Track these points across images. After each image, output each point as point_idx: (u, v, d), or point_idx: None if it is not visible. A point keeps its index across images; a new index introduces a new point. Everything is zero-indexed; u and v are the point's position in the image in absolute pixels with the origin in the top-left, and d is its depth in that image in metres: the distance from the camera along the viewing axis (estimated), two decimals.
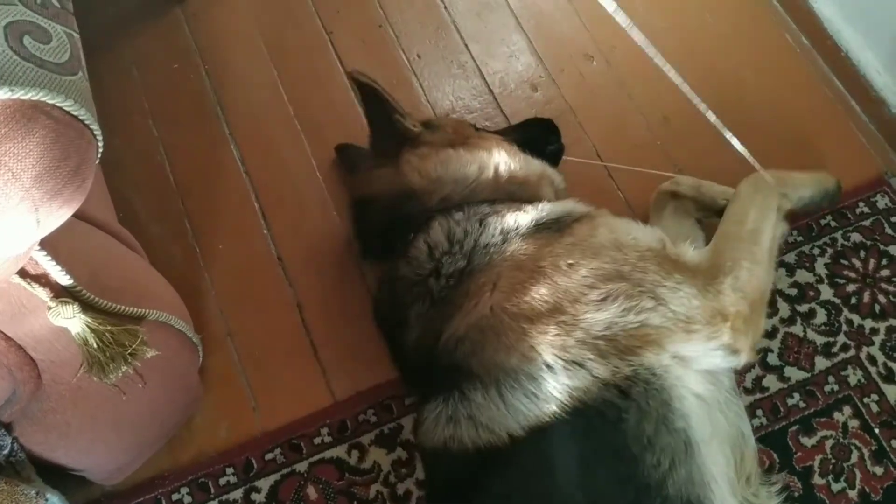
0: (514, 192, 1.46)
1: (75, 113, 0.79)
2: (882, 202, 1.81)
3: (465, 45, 1.99)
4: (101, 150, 0.85)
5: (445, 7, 2.04)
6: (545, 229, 1.32)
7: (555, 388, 1.17)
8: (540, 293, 1.23)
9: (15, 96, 0.73)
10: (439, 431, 1.23)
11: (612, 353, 1.18)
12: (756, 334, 1.30)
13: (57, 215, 0.80)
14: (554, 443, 1.18)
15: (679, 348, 1.21)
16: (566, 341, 1.19)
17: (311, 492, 1.53)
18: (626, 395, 1.17)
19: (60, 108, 0.77)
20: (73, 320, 0.95)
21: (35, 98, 0.74)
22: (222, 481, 1.53)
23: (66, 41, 0.81)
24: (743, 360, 1.27)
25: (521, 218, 1.35)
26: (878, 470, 1.55)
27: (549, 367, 1.18)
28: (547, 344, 1.18)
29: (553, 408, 1.16)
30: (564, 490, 1.18)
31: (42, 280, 0.93)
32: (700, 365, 1.24)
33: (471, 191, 1.44)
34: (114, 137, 1.81)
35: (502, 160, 1.48)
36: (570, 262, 1.25)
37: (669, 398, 1.18)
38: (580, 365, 1.17)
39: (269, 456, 1.55)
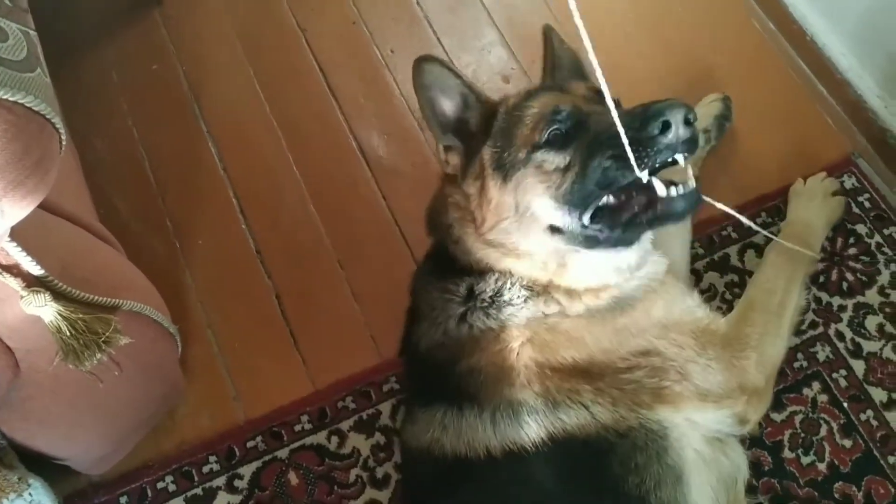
0: None
1: (36, 108, 0.82)
2: (849, 182, 1.84)
3: (438, 40, 2.03)
4: (63, 142, 0.89)
5: (418, 3, 2.07)
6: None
7: (550, 423, 1.21)
8: (572, 354, 1.25)
9: None
10: (428, 436, 1.28)
11: (624, 405, 1.22)
12: (765, 407, 1.39)
13: (21, 205, 0.84)
14: (530, 462, 1.21)
15: (692, 414, 1.27)
16: (583, 388, 1.23)
17: (293, 477, 1.57)
18: (623, 437, 1.22)
19: (21, 105, 0.81)
20: (44, 308, 0.99)
21: None
22: (205, 469, 1.57)
23: (23, 39, 0.84)
24: (748, 428, 1.35)
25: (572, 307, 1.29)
26: (847, 443, 1.59)
27: (554, 404, 1.21)
28: (563, 388, 1.22)
29: (540, 437, 1.20)
30: (536, 498, 1.23)
31: (13, 270, 0.96)
32: (708, 429, 1.30)
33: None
34: (94, 138, 1.85)
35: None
36: (613, 340, 1.27)
37: (668, 446, 1.23)
38: (585, 407, 1.22)
39: (250, 443, 1.58)
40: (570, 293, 1.29)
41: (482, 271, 1.30)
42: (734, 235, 1.78)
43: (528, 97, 1.30)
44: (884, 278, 1.73)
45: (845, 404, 1.62)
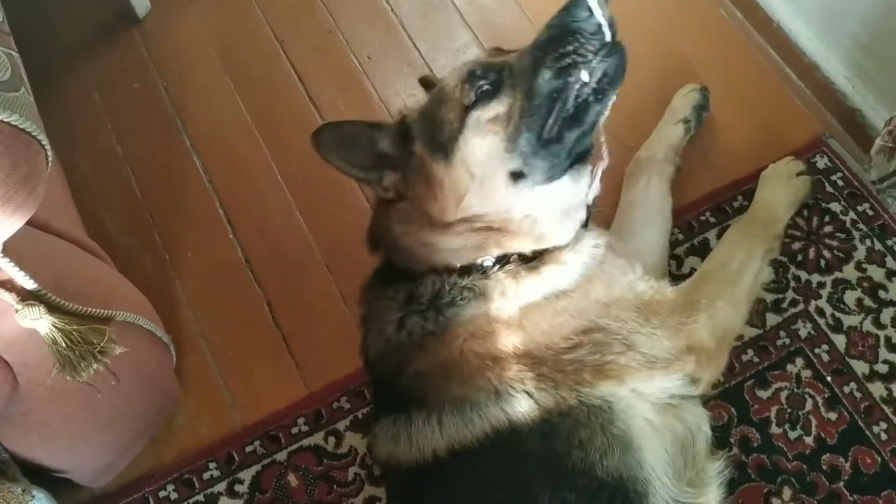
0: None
1: (22, 126, 0.85)
2: (822, 162, 1.89)
3: (414, 44, 2.06)
4: (49, 158, 0.92)
5: (392, 9, 2.11)
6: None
7: (493, 416, 1.21)
8: (512, 341, 1.26)
9: None
10: (384, 447, 1.30)
11: (566, 384, 1.22)
12: (718, 369, 1.39)
13: (11, 221, 0.87)
14: (476, 457, 1.21)
15: (639, 385, 1.27)
16: (525, 375, 1.23)
17: (292, 479, 1.60)
18: (564, 416, 1.21)
19: (7, 123, 0.84)
20: (39, 321, 1.02)
21: None
22: (206, 476, 1.60)
23: (6, 60, 0.87)
24: (700, 390, 1.34)
25: (518, 294, 1.28)
26: (833, 416, 1.62)
27: (497, 395, 1.21)
28: (505, 378, 1.22)
29: (486, 431, 1.20)
30: (484, 492, 1.23)
31: (7, 285, 0.99)
32: (657, 396, 1.30)
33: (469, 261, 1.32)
34: (79, 157, 1.88)
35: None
36: (553, 323, 1.27)
37: (614, 417, 1.23)
38: (529, 395, 1.22)
39: (249, 448, 1.61)
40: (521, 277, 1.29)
41: (423, 274, 1.30)
42: (712, 220, 1.82)
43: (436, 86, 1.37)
44: (860, 254, 1.77)
45: (829, 378, 1.65)
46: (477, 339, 1.26)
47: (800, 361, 1.68)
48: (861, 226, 1.80)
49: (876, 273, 1.75)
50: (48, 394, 1.14)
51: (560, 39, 1.21)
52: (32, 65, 1.14)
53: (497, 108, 1.23)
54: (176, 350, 1.50)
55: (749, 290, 1.49)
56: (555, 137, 1.24)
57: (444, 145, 1.25)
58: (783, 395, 1.65)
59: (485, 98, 1.23)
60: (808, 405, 1.63)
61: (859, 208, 1.82)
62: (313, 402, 1.65)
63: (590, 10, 1.21)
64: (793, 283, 1.75)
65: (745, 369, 1.67)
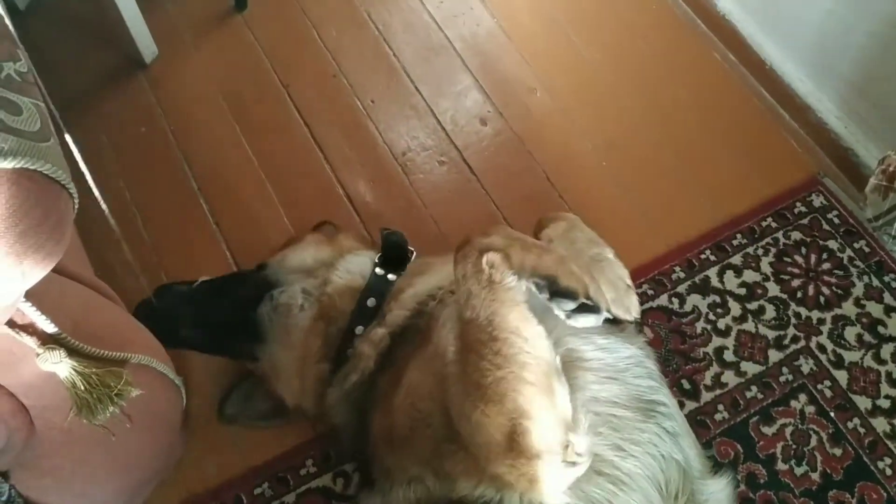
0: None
1: (53, 175, 0.87)
2: (818, 201, 1.93)
3: (416, 88, 2.10)
4: (76, 206, 0.94)
5: (394, 54, 2.16)
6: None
7: (401, 499, 1.23)
8: (391, 415, 1.29)
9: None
10: None
11: (441, 474, 1.18)
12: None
13: (40, 267, 0.88)
14: None
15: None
16: (407, 464, 1.23)
17: None
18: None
19: (40, 172, 0.86)
20: (60, 365, 1.02)
21: (17, 166, 0.83)
22: None
23: (35, 111, 0.89)
24: (571, 474, 1.12)
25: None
26: (837, 451, 1.64)
27: (399, 484, 1.24)
28: (396, 467, 1.26)
29: None
30: None
31: (29, 329, 1.00)
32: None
33: None
34: (87, 200, 1.90)
35: None
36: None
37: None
38: (420, 481, 1.21)
39: (257, 490, 1.60)
40: None
41: None
42: (712, 258, 1.85)
43: None
44: (858, 290, 1.81)
45: (832, 414, 1.68)
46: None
47: (803, 397, 1.70)
48: (858, 263, 1.84)
49: (874, 309, 1.78)
50: (63, 437, 1.14)
51: None
52: None
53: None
54: (186, 389, 1.50)
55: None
56: None
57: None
58: (788, 431, 1.66)
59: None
60: (813, 441, 1.65)
61: (856, 245, 1.86)
62: (321, 443, 1.65)
63: None
64: (793, 320, 1.78)
65: (749, 406, 1.68)
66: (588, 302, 1.23)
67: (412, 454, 1.23)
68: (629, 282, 1.37)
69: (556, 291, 1.21)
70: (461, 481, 1.15)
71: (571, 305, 1.23)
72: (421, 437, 1.21)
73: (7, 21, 0.97)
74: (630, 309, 1.34)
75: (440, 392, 1.18)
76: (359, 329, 1.43)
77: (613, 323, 1.32)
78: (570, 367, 1.19)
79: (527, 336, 1.13)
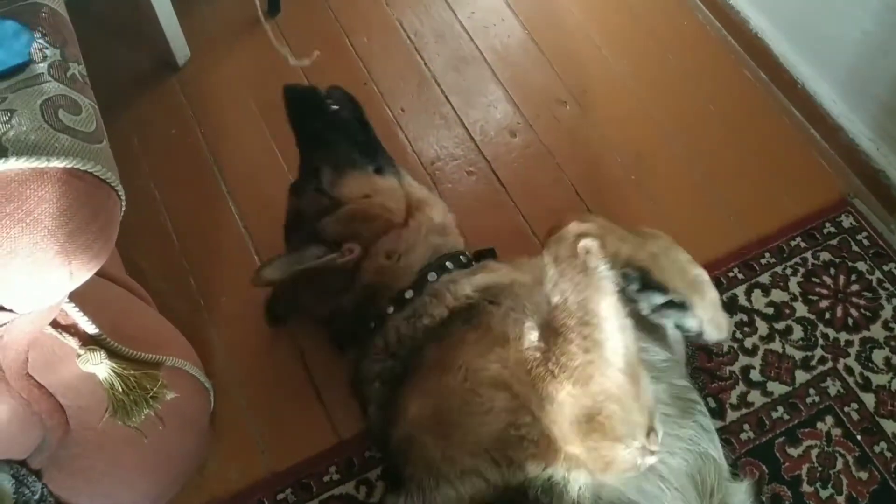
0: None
1: (103, 177, 0.88)
2: (847, 222, 1.92)
3: (446, 98, 2.11)
4: (123, 208, 0.94)
5: (425, 63, 2.16)
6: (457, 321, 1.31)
7: (451, 497, 1.18)
8: (439, 397, 1.24)
9: (52, 165, 0.82)
10: None
11: (504, 462, 1.16)
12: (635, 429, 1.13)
13: (88, 268, 0.89)
14: None
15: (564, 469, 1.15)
16: (459, 454, 1.19)
17: None
18: (525, 496, 1.13)
19: (90, 174, 0.87)
20: (100, 366, 1.03)
21: (70, 166, 0.83)
22: None
23: (93, 112, 0.90)
24: (646, 462, 1.13)
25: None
26: (863, 475, 1.62)
27: (446, 479, 1.19)
28: (443, 458, 1.20)
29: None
30: None
31: (71, 330, 1.01)
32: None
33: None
34: None
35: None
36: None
37: (580, 492, 1.13)
38: (475, 473, 1.17)
39: (280, 496, 1.60)
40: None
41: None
42: (741, 276, 1.84)
43: None
44: (887, 312, 1.79)
45: (859, 437, 1.66)
46: (416, 399, 1.29)
47: (829, 419, 1.68)
48: (887, 285, 1.83)
49: None
50: (97, 438, 1.14)
51: None
52: None
53: (330, 170, 1.61)
54: (214, 393, 1.50)
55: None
56: None
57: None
58: (814, 453, 1.65)
59: (319, 178, 1.60)
60: (839, 464, 1.63)
61: (885, 268, 1.85)
62: (344, 450, 1.65)
63: None
64: (821, 341, 1.76)
65: (775, 426, 1.67)
66: (676, 299, 1.28)
67: (467, 442, 1.19)
68: (719, 304, 1.39)
69: (647, 285, 1.26)
70: (529, 465, 1.14)
71: (661, 300, 1.27)
72: (479, 424, 1.18)
73: (69, 23, 0.98)
74: (722, 327, 1.37)
75: (506, 377, 1.18)
76: (431, 276, 1.41)
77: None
78: None
79: (618, 325, 1.15)
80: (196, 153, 1.99)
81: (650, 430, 1.11)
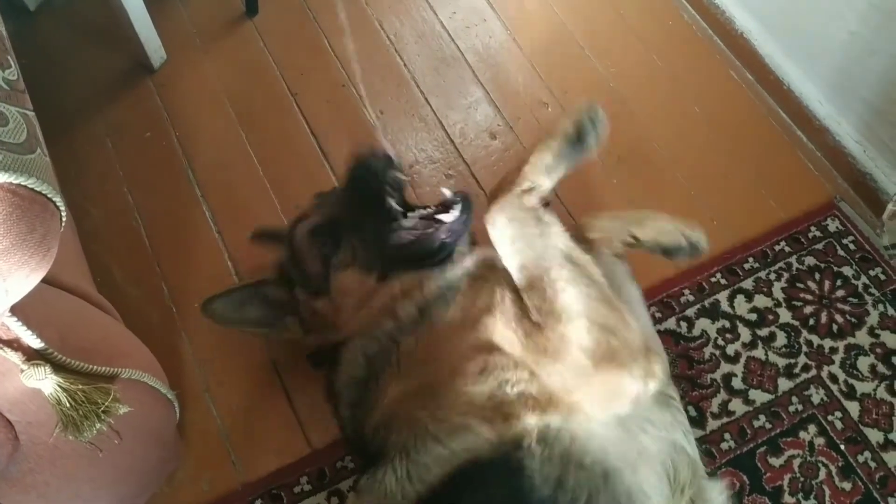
0: None
1: (38, 189, 0.85)
2: (833, 225, 1.89)
3: (426, 99, 2.07)
4: (63, 219, 0.91)
5: (405, 64, 2.13)
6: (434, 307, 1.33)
7: (442, 455, 1.16)
8: (425, 375, 1.26)
9: None
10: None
11: (498, 419, 1.16)
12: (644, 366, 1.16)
13: (25, 283, 0.85)
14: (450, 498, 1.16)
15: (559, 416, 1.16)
16: (448, 414, 1.19)
17: None
18: (519, 447, 1.13)
19: (24, 186, 0.83)
20: (44, 381, 1.00)
21: (1, 180, 0.80)
22: None
23: (22, 121, 0.87)
24: (650, 388, 1.15)
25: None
26: (847, 485, 1.59)
27: (435, 438, 1.18)
28: (432, 419, 1.19)
29: (444, 471, 1.15)
30: None
31: (14, 344, 0.97)
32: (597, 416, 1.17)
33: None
34: (90, 206, 1.88)
35: None
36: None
37: (571, 443, 1.14)
38: (466, 429, 1.17)
39: None
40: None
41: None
42: (723, 281, 1.81)
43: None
44: (872, 319, 1.76)
45: (842, 446, 1.63)
46: (398, 381, 1.30)
47: (812, 428, 1.65)
48: (873, 291, 1.79)
49: (889, 339, 1.74)
50: (49, 453, 1.11)
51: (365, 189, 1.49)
52: (46, 112, 1.15)
53: (344, 253, 1.44)
54: (179, 404, 1.47)
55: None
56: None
57: (320, 287, 1.46)
58: (796, 463, 1.62)
59: (333, 248, 1.46)
60: (822, 474, 1.61)
61: (871, 273, 1.82)
62: (316, 460, 1.62)
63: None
64: (805, 348, 1.73)
65: (757, 435, 1.64)
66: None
67: (459, 403, 1.19)
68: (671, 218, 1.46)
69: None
70: (525, 418, 1.15)
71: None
72: (472, 384, 1.20)
73: (0, 26, 0.95)
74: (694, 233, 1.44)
75: (496, 339, 1.22)
76: None
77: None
78: None
79: (581, 261, 1.23)
80: (170, 157, 1.96)
81: (649, 352, 1.15)
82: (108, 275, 1.77)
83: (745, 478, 1.60)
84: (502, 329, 1.22)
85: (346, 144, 1.99)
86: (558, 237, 1.26)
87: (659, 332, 1.74)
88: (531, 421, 1.15)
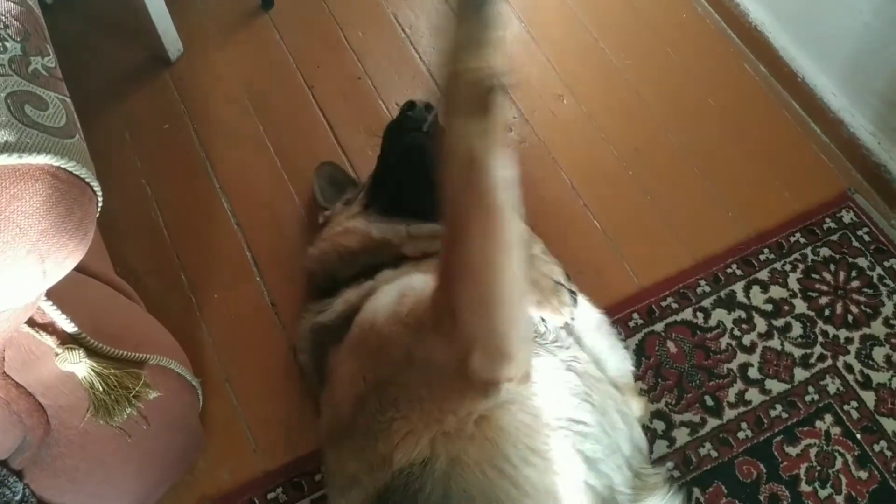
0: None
1: (77, 172, 0.86)
2: (847, 217, 1.89)
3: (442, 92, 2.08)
4: (100, 204, 0.92)
5: (420, 57, 2.14)
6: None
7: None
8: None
9: (23, 161, 0.80)
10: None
11: (373, 468, 1.09)
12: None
13: (62, 266, 0.87)
14: None
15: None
16: (340, 455, 1.17)
17: None
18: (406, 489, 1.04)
19: (64, 169, 0.85)
20: (79, 365, 1.01)
21: (42, 162, 0.81)
22: None
23: (61, 106, 0.88)
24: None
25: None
26: (863, 474, 1.60)
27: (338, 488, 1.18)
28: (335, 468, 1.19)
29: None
30: None
31: (49, 328, 0.99)
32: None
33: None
34: (108, 198, 1.87)
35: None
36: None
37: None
38: (357, 481, 1.12)
39: (271, 495, 1.58)
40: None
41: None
42: (739, 272, 1.82)
43: None
44: (888, 309, 1.77)
45: (858, 436, 1.64)
46: None
47: (829, 418, 1.66)
48: (888, 281, 1.80)
49: None
50: (79, 438, 1.12)
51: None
52: None
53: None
54: (203, 392, 1.49)
55: None
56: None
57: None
58: (812, 452, 1.62)
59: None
60: (838, 463, 1.61)
61: (886, 264, 1.82)
62: None
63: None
64: (820, 338, 1.74)
65: (773, 425, 1.65)
66: None
67: (351, 446, 1.14)
68: (559, 278, 1.27)
69: None
70: (398, 452, 1.05)
71: None
72: (360, 425, 1.12)
73: (39, 14, 0.96)
74: (560, 308, 1.24)
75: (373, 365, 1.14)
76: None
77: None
78: None
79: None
80: (188, 148, 1.97)
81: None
82: (128, 266, 1.78)
83: (762, 466, 1.61)
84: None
85: (361, 136, 2.00)
86: None
87: (675, 322, 1.76)
88: (403, 454, 1.06)
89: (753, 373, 1.70)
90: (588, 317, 1.35)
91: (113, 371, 1.06)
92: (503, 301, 0.97)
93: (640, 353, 1.72)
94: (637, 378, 1.68)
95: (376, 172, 1.68)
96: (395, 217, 1.54)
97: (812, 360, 1.72)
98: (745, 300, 1.79)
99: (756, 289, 1.80)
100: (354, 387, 1.16)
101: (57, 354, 1.00)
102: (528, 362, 1.05)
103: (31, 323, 0.97)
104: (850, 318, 1.77)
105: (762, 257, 1.84)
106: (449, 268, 1.00)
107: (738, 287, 1.80)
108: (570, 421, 1.11)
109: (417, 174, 1.49)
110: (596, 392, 1.19)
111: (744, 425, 1.65)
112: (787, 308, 1.78)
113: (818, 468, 1.61)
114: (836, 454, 1.62)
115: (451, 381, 1.03)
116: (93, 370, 1.03)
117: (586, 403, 1.16)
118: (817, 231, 1.87)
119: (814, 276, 1.82)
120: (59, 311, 0.99)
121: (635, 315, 1.77)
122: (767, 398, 1.68)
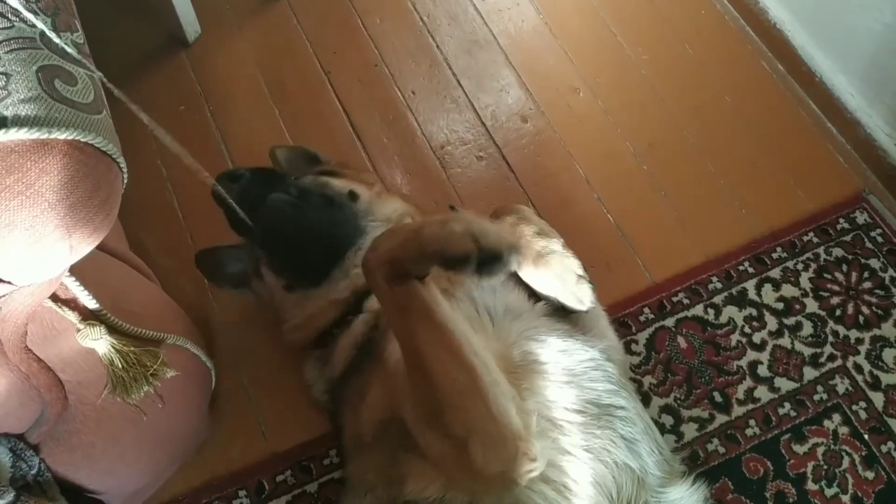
0: None
1: (104, 149, 0.86)
2: (861, 218, 1.89)
3: (458, 81, 2.08)
4: (125, 181, 0.93)
5: (437, 46, 2.14)
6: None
7: None
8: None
9: (52, 136, 0.80)
10: None
11: (391, 483, 1.16)
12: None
13: (88, 241, 0.87)
14: None
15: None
16: (364, 469, 1.25)
17: None
18: None
19: (91, 145, 0.85)
20: (100, 341, 1.02)
21: (70, 137, 0.82)
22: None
23: (90, 82, 0.88)
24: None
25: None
26: (870, 475, 1.61)
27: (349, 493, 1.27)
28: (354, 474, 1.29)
29: None
30: None
31: (71, 304, 1.00)
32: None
33: None
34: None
35: None
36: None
37: None
38: (373, 489, 1.20)
39: (280, 478, 1.59)
40: None
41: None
42: (751, 270, 1.82)
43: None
44: None
45: (866, 436, 1.64)
46: None
47: (837, 417, 1.66)
48: None
49: None
50: (96, 414, 1.13)
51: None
52: None
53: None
54: (216, 373, 1.49)
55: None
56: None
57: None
58: (820, 451, 1.63)
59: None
60: (845, 462, 1.62)
61: None
62: None
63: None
64: (831, 338, 1.74)
65: (781, 423, 1.65)
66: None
67: (372, 461, 1.23)
68: (580, 272, 1.33)
69: (448, 260, 1.00)
70: (410, 482, 1.12)
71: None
72: (381, 446, 1.21)
73: None
74: (582, 299, 1.32)
75: (395, 403, 1.17)
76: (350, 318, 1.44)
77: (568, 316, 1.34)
78: (524, 371, 1.18)
79: (451, 348, 1.04)
80: (203, 131, 1.97)
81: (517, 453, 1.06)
82: (141, 246, 1.78)
83: (769, 464, 1.61)
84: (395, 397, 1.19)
85: (377, 123, 2.00)
86: (420, 319, 1.07)
87: (686, 318, 1.76)
88: (415, 487, 1.12)
89: (763, 370, 1.71)
90: None
91: (132, 349, 1.06)
92: (478, 386, 1.02)
93: (650, 348, 1.73)
94: (647, 373, 1.69)
95: (268, 255, 1.56)
96: (318, 274, 1.48)
97: (822, 360, 1.72)
98: (756, 298, 1.79)
99: (768, 287, 1.80)
100: (380, 412, 1.23)
101: (79, 330, 1.01)
102: (547, 451, 1.09)
103: (54, 298, 0.98)
104: (861, 318, 1.77)
105: (775, 256, 1.84)
106: (412, 372, 1.06)
107: (750, 285, 1.81)
108: (611, 407, 1.21)
109: (301, 233, 1.46)
110: (625, 378, 1.30)
111: (752, 422, 1.65)
112: (798, 307, 1.78)
113: (825, 467, 1.61)
114: (844, 454, 1.63)
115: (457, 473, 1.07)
116: (113, 347, 1.04)
117: (623, 390, 1.25)
118: (830, 231, 1.87)
119: (826, 275, 1.82)
120: (82, 288, 0.99)
121: (646, 310, 1.77)
122: (776, 396, 1.68)
